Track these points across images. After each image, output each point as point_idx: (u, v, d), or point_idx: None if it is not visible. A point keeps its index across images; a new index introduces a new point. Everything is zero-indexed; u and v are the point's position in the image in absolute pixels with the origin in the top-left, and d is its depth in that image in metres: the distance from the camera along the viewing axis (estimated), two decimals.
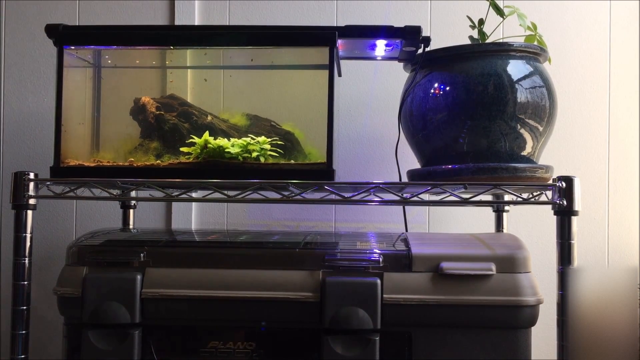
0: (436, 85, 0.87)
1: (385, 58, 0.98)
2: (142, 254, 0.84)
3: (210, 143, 0.84)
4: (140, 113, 0.88)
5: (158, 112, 0.87)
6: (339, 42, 0.84)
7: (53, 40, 0.86)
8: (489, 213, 1.12)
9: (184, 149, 0.85)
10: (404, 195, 0.83)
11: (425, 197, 0.82)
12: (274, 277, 0.81)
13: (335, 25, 1.16)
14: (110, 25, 0.89)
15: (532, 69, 0.87)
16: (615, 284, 0.66)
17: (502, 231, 1.08)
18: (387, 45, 0.90)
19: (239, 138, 0.85)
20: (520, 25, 0.90)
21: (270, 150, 0.84)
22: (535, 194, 0.84)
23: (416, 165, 0.94)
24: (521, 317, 0.79)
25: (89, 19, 1.23)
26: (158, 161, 0.85)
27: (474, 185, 0.79)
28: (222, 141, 0.84)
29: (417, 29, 0.86)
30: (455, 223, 1.20)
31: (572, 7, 1.19)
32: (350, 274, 0.81)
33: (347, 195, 0.81)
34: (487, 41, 0.92)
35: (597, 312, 0.66)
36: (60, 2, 1.23)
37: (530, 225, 1.19)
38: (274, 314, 0.81)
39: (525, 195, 0.83)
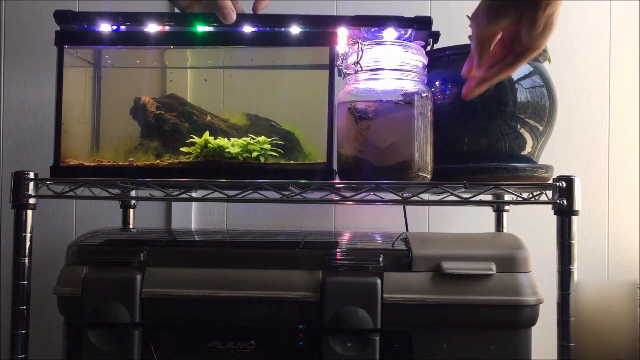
0: (437, 84, 0.87)
1: None
2: (142, 254, 0.84)
3: (210, 143, 0.84)
4: (140, 112, 0.88)
5: (158, 112, 0.87)
6: (347, 32, 0.83)
7: (53, 40, 0.86)
8: (489, 213, 1.12)
9: (184, 149, 0.85)
10: (404, 195, 0.83)
11: (425, 197, 0.82)
12: (274, 277, 0.81)
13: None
14: (110, 25, 0.88)
15: (532, 69, 0.87)
16: (616, 298, 0.67)
17: (502, 231, 1.08)
18: (396, 39, 0.88)
19: (239, 138, 0.85)
20: None
21: (271, 150, 0.84)
22: (535, 193, 0.84)
23: None
24: (521, 316, 0.79)
25: None
26: (158, 161, 0.85)
27: (474, 185, 0.79)
28: (222, 141, 0.84)
29: (427, 19, 0.84)
30: (455, 223, 1.20)
31: (572, 7, 1.19)
32: (350, 274, 0.81)
33: (347, 194, 0.81)
34: None
35: (598, 324, 0.66)
36: (60, 1, 1.23)
37: (530, 225, 1.19)
38: (274, 314, 0.81)
39: (525, 195, 0.82)
